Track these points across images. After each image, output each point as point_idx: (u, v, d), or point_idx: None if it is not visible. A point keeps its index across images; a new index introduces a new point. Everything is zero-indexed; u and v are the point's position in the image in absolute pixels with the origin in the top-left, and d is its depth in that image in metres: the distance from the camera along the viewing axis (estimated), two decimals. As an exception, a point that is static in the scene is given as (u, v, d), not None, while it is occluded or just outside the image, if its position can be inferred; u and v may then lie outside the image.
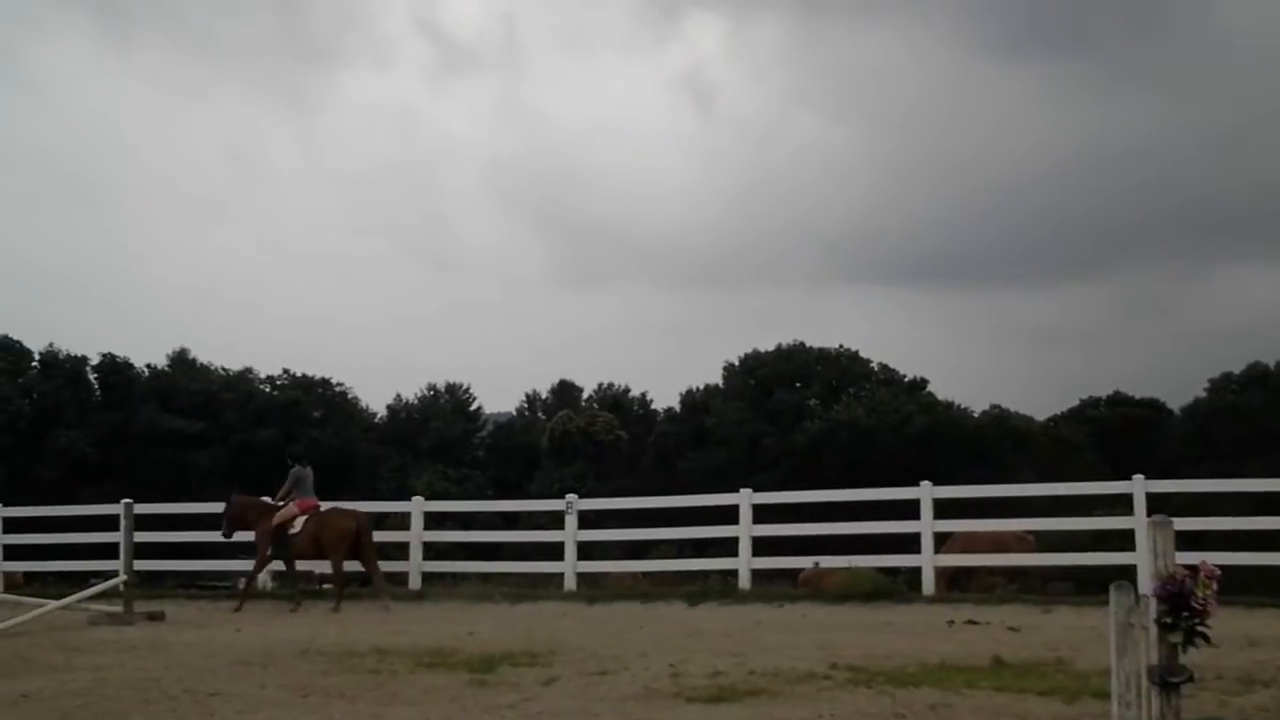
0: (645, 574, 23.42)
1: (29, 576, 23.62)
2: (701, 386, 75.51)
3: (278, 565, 20.13)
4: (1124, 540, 18.09)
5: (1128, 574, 13.77)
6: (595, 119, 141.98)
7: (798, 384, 72.14)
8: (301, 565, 19.94)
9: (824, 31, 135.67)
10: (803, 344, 73.94)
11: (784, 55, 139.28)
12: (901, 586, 18.79)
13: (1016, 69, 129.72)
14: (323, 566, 20.23)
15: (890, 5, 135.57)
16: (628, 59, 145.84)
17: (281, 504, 19.63)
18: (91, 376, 71.51)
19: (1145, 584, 6.76)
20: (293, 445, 18.78)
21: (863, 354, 73.90)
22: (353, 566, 19.59)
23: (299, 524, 19.24)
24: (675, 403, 76.71)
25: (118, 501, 19.53)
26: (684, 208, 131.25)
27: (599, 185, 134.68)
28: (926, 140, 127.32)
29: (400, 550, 21.49)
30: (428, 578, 20.82)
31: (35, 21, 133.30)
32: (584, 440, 69.41)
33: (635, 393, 79.18)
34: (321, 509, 19.56)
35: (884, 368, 73.44)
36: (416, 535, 20.91)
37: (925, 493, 18.77)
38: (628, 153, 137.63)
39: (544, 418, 76.46)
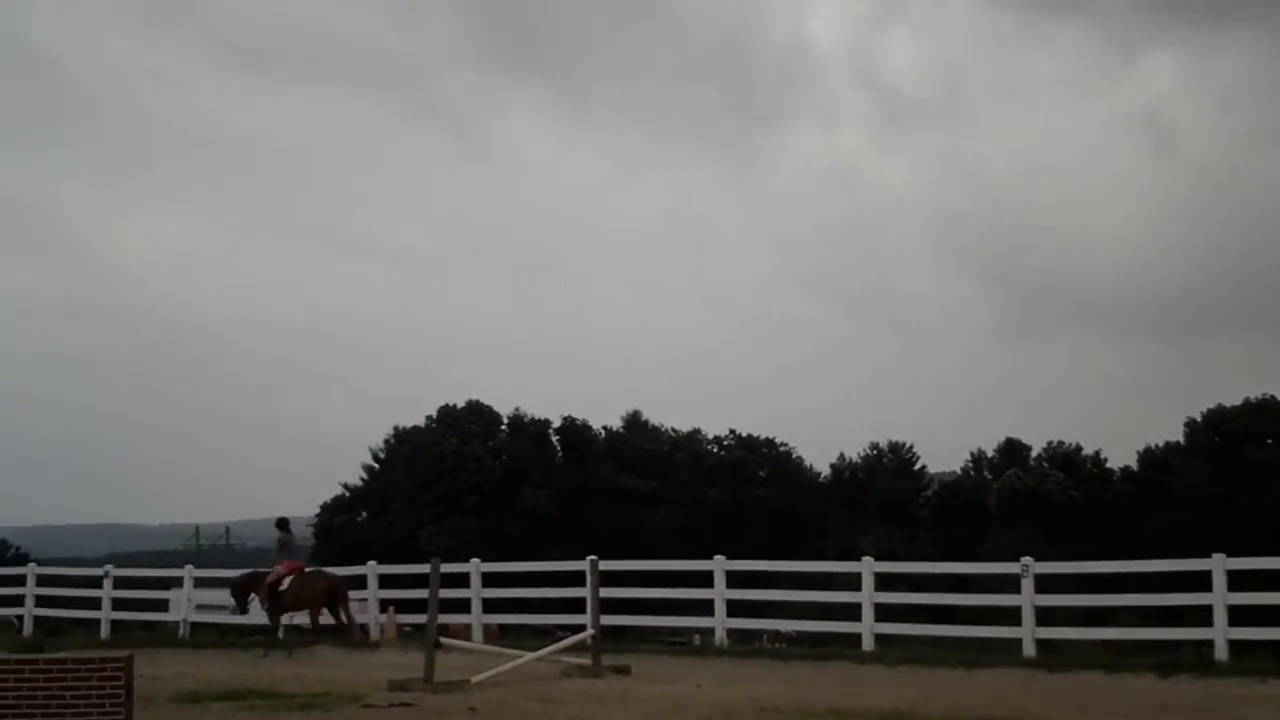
0: (1106, 642, 22.33)
1: (502, 629, 25.18)
2: (1161, 444, 71.88)
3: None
4: None
5: None
6: (1041, 166, 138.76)
7: (1269, 440, 67.40)
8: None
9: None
10: (1273, 397, 68.98)
11: (1251, 88, 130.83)
12: None
13: None
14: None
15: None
16: (1074, 102, 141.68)
17: (270, 569, 23.52)
18: (554, 438, 75.81)
19: None
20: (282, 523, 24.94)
21: (1347, 406, 68.16)
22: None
23: (286, 583, 23.02)
24: (1132, 461, 73.28)
25: (577, 558, 20.61)
26: (1137, 254, 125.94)
27: (1045, 235, 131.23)
28: None
29: (850, 611, 21.52)
30: (880, 639, 20.69)
31: (499, 101, 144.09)
32: (1033, 500, 67.37)
33: (1087, 451, 75.98)
34: (305, 571, 23.75)
35: (1376, 421, 67.38)
36: (868, 596, 20.82)
37: None
38: (1076, 199, 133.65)
39: (990, 477, 74.75)
